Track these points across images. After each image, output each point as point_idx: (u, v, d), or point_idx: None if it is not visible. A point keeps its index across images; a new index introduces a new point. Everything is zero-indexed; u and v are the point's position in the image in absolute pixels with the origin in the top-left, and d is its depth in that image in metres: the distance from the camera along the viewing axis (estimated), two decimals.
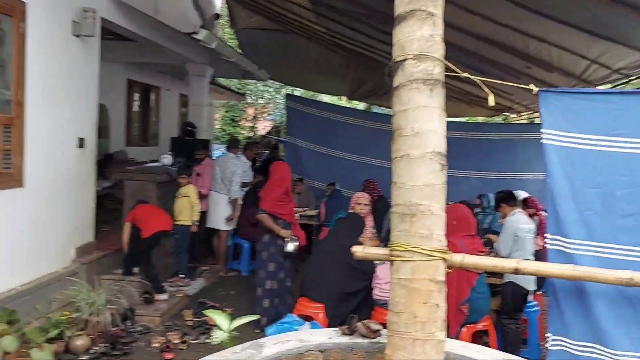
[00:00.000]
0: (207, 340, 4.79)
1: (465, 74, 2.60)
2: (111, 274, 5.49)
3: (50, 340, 4.16)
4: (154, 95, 12.03)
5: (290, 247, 5.01)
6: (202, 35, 7.09)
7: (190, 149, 8.41)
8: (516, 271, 2.32)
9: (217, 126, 24.02)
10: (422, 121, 2.22)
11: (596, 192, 2.37)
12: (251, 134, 23.58)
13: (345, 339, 3.13)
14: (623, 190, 2.35)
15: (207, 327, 5.04)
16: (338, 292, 4.12)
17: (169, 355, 4.36)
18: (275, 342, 3.05)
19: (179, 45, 7.70)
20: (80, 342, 4.38)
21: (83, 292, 4.70)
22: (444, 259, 2.27)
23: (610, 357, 2.32)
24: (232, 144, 8.13)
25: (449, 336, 3.90)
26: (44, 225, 4.72)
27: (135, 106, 11.21)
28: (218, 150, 13.70)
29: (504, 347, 4.25)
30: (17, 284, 4.30)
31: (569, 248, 2.40)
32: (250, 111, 24.64)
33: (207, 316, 5.10)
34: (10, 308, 3.99)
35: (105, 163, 7.58)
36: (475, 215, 6.27)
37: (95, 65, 5.49)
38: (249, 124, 24.60)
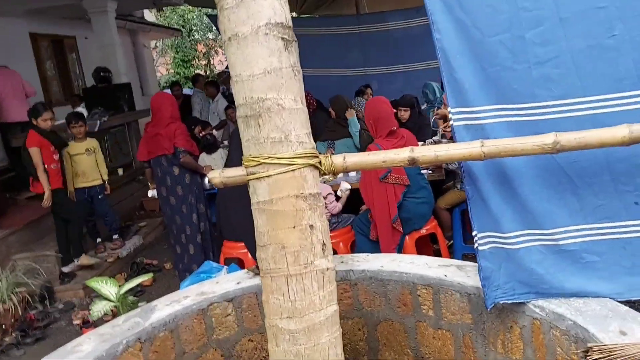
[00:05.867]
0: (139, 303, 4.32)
1: None
2: (24, 251, 4.89)
3: None
4: (69, 47, 10.87)
5: (210, 184, 4.52)
6: None
7: (107, 96, 7.62)
8: (412, 161, 1.77)
9: (169, 70, 22.67)
10: None
11: (500, 39, 1.78)
12: (207, 72, 22.23)
13: (257, 280, 2.63)
14: (534, 30, 1.76)
15: (140, 290, 4.55)
16: (248, 226, 3.57)
17: (88, 331, 3.87)
18: (169, 302, 2.53)
19: None
20: None
21: None
22: (314, 165, 1.70)
23: (552, 241, 1.83)
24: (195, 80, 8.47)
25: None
26: None
27: (49, 63, 10.12)
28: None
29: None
30: None
31: (477, 119, 1.84)
32: (201, 47, 23.10)
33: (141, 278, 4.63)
34: None
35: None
36: (422, 112, 5.68)
37: None
38: (203, 62, 23.12)
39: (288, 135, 1.65)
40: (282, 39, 1.64)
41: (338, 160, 1.81)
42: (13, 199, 6.09)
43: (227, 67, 18.70)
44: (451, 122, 1.87)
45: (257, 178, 1.68)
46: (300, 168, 1.66)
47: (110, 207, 5.62)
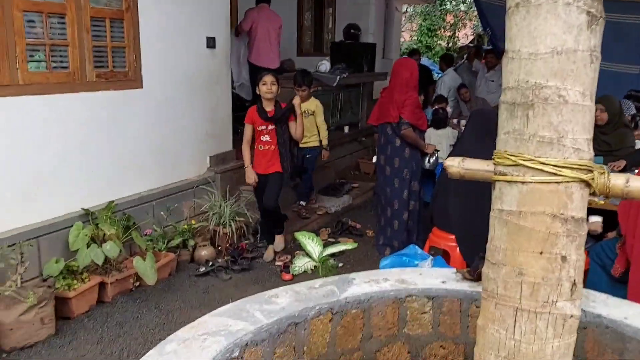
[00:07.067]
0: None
1: None
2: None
3: (173, 249, 4.12)
4: (328, 1, 11.35)
5: (430, 163, 4.21)
6: None
7: (351, 53, 7.74)
8: None
9: (412, 37, 22.64)
10: None
11: None
12: (450, 44, 21.67)
13: (465, 286, 2.33)
14: None
15: (340, 251, 4.56)
16: (468, 222, 3.20)
17: (287, 277, 4.01)
18: (367, 280, 2.40)
19: None
20: (204, 252, 4.29)
21: (213, 201, 4.58)
22: (585, 182, 1.32)
23: None
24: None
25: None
26: (171, 131, 4.56)
27: (307, 14, 10.75)
28: None
29: None
30: (142, 189, 4.28)
31: None
32: (450, 19, 22.49)
33: (344, 237, 4.66)
34: (133, 213, 3.99)
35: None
36: None
37: None
38: (448, 33, 22.54)
39: (562, 138, 1.29)
40: (587, 12, 1.27)
41: (618, 182, 1.38)
42: None
43: (470, 42, 17.81)
44: None
45: (508, 181, 1.36)
46: (567, 182, 1.30)
47: (323, 165, 5.56)
